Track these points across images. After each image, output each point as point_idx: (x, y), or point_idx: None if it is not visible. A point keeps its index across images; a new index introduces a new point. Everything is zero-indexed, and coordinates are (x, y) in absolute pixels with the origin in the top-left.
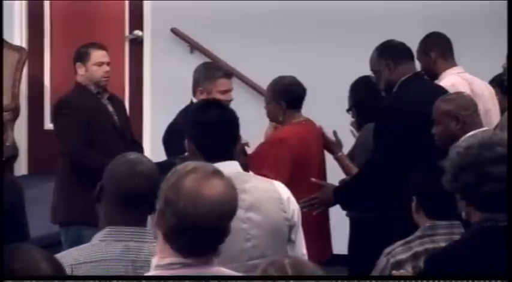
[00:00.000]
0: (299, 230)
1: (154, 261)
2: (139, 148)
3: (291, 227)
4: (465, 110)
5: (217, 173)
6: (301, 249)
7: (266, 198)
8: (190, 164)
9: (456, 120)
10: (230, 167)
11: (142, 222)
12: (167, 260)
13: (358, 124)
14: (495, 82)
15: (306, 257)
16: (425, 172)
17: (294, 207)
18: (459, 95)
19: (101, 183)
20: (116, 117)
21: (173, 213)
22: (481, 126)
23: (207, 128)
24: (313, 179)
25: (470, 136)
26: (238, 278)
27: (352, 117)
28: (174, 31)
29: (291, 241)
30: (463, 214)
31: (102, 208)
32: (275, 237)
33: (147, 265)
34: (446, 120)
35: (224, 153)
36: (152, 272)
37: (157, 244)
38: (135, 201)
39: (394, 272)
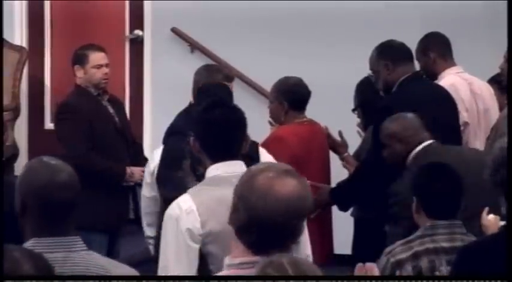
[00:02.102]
0: (303, 231)
1: (227, 260)
2: (140, 149)
3: None
4: (406, 131)
5: (291, 172)
6: (306, 250)
7: None
8: (264, 163)
9: (400, 142)
10: (234, 167)
11: (68, 231)
12: (239, 260)
13: (364, 124)
14: (493, 80)
15: (310, 258)
16: (425, 173)
17: None
18: (401, 116)
19: (21, 196)
20: (116, 119)
21: (245, 208)
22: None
23: (211, 127)
24: (309, 182)
25: None
26: (240, 278)
27: (358, 117)
28: (174, 31)
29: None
30: (502, 209)
31: (26, 221)
32: None
33: (75, 275)
34: (390, 142)
35: (228, 152)
36: (225, 272)
37: (232, 243)
38: (58, 211)
39: None
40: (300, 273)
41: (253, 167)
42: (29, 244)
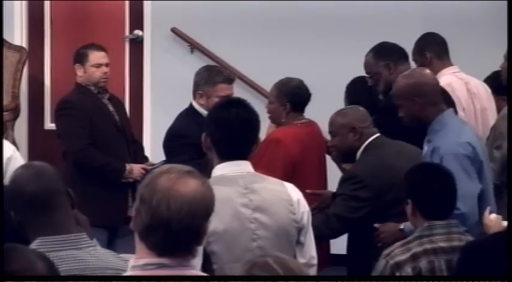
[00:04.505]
0: (308, 232)
1: (131, 262)
2: (140, 147)
3: (300, 229)
4: (362, 122)
5: (193, 173)
6: (311, 251)
7: (274, 200)
8: (166, 166)
9: (353, 132)
10: (240, 167)
11: (70, 228)
12: (143, 261)
13: None
14: (487, 83)
15: (315, 260)
16: (418, 174)
17: (303, 209)
18: (354, 108)
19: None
20: (116, 117)
21: (147, 210)
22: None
23: (223, 125)
24: (308, 191)
25: None
26: (237, 278)
27: None
28: (174, 31)
29: (299, 243)
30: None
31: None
32: (282, 239)
33: (88, 273)
34: (343, 132)
35: (237, 152)
36: (129, 273)
37: (136, 244)
38: (47, 204)
39: None
40: (288, 271)
41: (155, 170)
42: (35, 243)
